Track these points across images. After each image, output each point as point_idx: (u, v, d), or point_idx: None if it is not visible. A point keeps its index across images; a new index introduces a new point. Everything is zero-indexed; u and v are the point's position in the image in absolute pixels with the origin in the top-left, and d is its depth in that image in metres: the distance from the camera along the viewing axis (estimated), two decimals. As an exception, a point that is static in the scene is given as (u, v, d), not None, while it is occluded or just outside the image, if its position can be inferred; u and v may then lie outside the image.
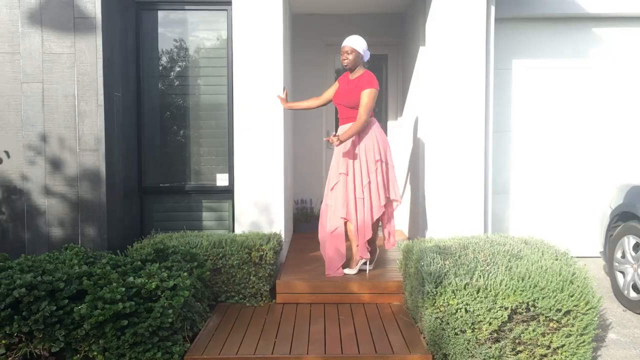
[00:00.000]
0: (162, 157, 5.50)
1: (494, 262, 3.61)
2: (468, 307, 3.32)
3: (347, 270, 4.90)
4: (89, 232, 4.60)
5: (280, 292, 4.67)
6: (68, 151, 4.57)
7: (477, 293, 3.33)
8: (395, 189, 5.00)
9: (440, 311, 3.38)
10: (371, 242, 5.04)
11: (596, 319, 3.32)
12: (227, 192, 5.46)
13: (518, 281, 3.35)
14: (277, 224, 5.31)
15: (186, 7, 5.39)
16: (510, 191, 6.30)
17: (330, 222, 4.91)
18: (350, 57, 4.81)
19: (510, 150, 6.27)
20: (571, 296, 3.30)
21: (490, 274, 3.40)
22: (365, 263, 4.95)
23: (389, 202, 5.00)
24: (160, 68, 5.45)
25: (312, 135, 7.30)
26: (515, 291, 3.30)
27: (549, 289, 3.30)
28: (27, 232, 4.60)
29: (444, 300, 3.36)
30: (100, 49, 4.53)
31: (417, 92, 6.19)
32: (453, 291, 3.34)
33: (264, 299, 4.65)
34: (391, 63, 7.51)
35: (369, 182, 4.81)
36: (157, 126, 5.48)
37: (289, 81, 6.47)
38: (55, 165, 4.58)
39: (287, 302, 4.64)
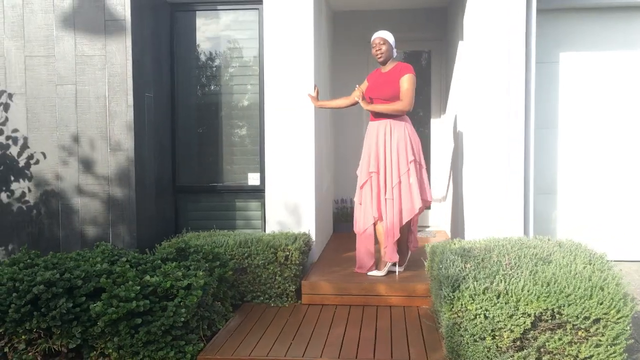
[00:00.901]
0: (196, 156, 5.54)
1: (518, 265, 3.41)
2: (487, 312, 3.15)
3: (374, 273, 4.77)
4: (119, 231, 4.68)
5: (306, 292, 4.60)
6: (99, 151, 4.67)
7: (497, 298, 3.14)
8: (427, 190, 4.83)
9: (458, 316, 3.22)
10: (402, 244, 4.90)
11: (628, 328, 3.08)
12: (259, 192, 5.44)
13: (542, 286, 3.15)
14: (307, 224, 5.25)
15: (218, 7, 5.41)
16: (557, 191, 5.99)
17: (360, 221, 4.81)
18: (384, 48, 4.70)
19: (557, 148, 5.96)
20: (600, 303, 3.06)
21: (513, 279, 3.21)
22: (394, 265, 4.82)
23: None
24: (194, 68, 5.49)
25: (352, 134, 7.19)
26: (539, 297, 3.10)
27: (575, 296, 3.08)
28: (61, 230, 4.73)
29: (461, 305, 3.20)
30: (130, 50, 4.60)
31: (458, 88, 5.99)
32: (471, 295, 3.17)
33: (289, 299, 4.60)
34: (434, 59, 7.31)
35: (399, 183, 4.67)
36: (191, 126, 5.53)
37: (327, 80, 6.40)
38: (88, 164, 4.68)
39: (313, 303, 4.57)
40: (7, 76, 4.70)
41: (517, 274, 3.29)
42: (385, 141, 4.71)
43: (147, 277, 3.52)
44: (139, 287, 3.43)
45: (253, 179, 5.49)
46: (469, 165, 5.02)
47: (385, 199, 4.71)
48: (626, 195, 5.91)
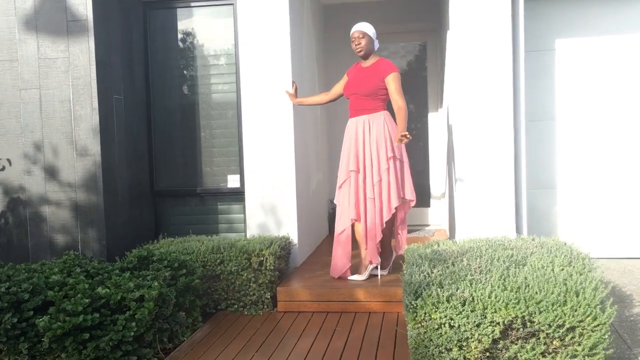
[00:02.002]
0: (174, 159, 5.36)
1: (488, 270, 3.14)
2: (452, 322, 2.89)
3: (355, 277, 4.54)
4: (88, 239, 4.52)
5: (282, 299, 4.38)
6: (66, 157, 4.51)
7: (463, 306, 2.88)
8: (410, 188, 4.57)
9: (422, 326, 2.97)
10: (385, 245, 4.65)
11: (607, 337, 2.79)
12: (240, 194, 5.24)
13: (512, 292, 2.88)
14: (288, 226, 5.04)
15: (192, 3, 5.22)
16: (556, 186, 5.66)
17: (338, 223, 4.58)
18: (363, 42, 4.47)
19: (555, 141, 5.63)
20: (575, 310, 2.79)
21: (480, 284, 2.95)
22: (376, 268, 4.57)
23: (403, 203, 4.59)
24: (170, 68, 5.31)
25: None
26: (507, 304, 2.83)
27: (547, 302, 2.81)
28: (30, 239, 4.59)
29: (425, 313, 2.95)
30: (93, 51, 4.43)
31: (449, 81, 5.71)
32: (434, 303, 2.91)
33: (265, 307, 4.38)
34: (430, 51, 7.03)
35: (380, 181, 4.42)
36: (168, 128, 5.35)
37: (315, 75, 6.17)
38: (55, 171, 4.53)
39: (289, 311, 4.35)
40: (-29, 82, 4.58)
41: (486, 279, 3.03)
42: (364, 138, 4.47)
43: (99, 289, 3.34)
44: (87, 300, 3.25)
45: (233, 181, 5.29)
46: (459, 161, 4.75)
47: (366, 198, 4.46)
48: (631, 189, 5.56)
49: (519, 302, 2.83)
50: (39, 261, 4.30)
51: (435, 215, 7.18)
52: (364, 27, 4.52)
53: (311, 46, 6.07)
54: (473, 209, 4.68)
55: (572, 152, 5.60)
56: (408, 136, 4.15)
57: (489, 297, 2.87)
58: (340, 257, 4.58)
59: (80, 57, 4.45)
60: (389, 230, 4.61)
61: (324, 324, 4.03)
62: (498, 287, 2.93)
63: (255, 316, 4.28)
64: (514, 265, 3.20)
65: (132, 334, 3.20)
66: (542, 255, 3.36)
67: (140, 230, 5.08)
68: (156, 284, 3.44)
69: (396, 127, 4.56)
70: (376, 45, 4.58)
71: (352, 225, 4.58)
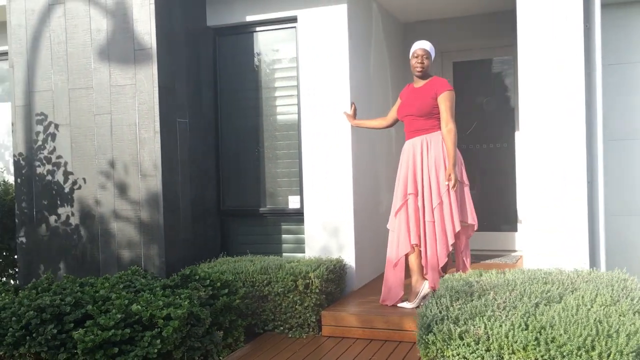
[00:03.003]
0: (240, 179, 5.50)
1: (514, 306, 2.87)
2: (466, 361, 2.68)
3: (404, 304, 4.36)
4: (150, 255, 4.75)
5: (326, 324, 4.31)
6: (132, 177, 4.78)
7: (477, 344, 2.67)
8: (472, 212, 4.34)
9: (435, 363, 2.79)
10: (443, 271, 4.41)
11: (641, 391, 2.44)
12: (301, 215, 5.25)
13: (532, 332, 2.61)
14: (347, 248, 4.96)
15: (257, 28, 5.36)
16: (650, 212, 5.10)
17: (393, 249, 4.42)
18: (427, 62, 4.37)
19: (647, 162, 5.08)
20: (603, 357, 2.47)
21: (497, 322, 2.71)
22: (426, 296, 4.35)
23: (465, 228, 4.36)
24: (236, 91, 5.47)
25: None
26: (526, 346, 2.57)
27: (571, 346, 2.51)
28: (101, 253, 4.90)
29: (437, 349, 2.76)
30: (156, 77, 4.68)
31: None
32: (445, 340, 2.72)
33: (310, 330, 4.34)
34: (513, 67, 6.66)
35: (440, 204, 4.23)
36: (234, 149, 5.50)
37: (388, 96, 6.06)
38: (122, 190, 4.82)
39: (333, 336, 4.27)
40: (55, 108, 5.00)
41: (507, 316, 2.77)
42: (422, 160, 4.31)
43: (133, 306, 3.48)
44: (120, 316, 3.40)
45: (293, 202, 5.31)
46: (528, 184, 4.40)
47: (425, 222, 4.28)
48: None
49: (539, 344, 2.56)
50: (109, 274, 4.58)
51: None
52: (429, 47, 4.40)
53: (384, 66, 5.98)
54: (542, 237, 4.31)
55: (667, 174, 5.02)
56: (453, 184, 4.11)
57: (506, 337, 2.63)
58: (394, 284, 4.42)
59: (145, 83, 4.72)
60: (449, 257, 4.37)
61: (362, 351, 3.90)
62: (519, 326, 2.68)
63: (298, 339, 4.24)
64: (545, 302, 2.90)
65: (156, 350, 3.29)
66: (586, 291, 3.02)
67: (204, 248, 5.25)
68: (186, 302, 3.52)
69: (456, 147, 4.36)
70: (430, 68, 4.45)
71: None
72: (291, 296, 4.34)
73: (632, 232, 5.10)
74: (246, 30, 5.41)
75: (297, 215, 5.29)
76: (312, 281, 4.31)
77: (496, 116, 6.77)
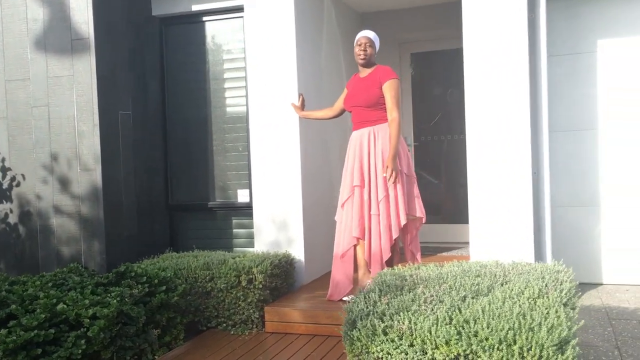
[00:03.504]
0: (189, 173, 5.37)
1: (440, 300, 2.81)
2: (390, 356, 2.60)
3: (350, 298, 4.27)
4: (91, 251, 4.61)
5: (270, 320, 4.22)
6: (71, 171, 4.63)
7: (400, 340, 2.59)
8: (420, 205, 4.27)
9: (360, 359, 2.71)
10: (389, 265, 4.34)
11: (562, 385, 2.39)
12: (250, 209, 5.14)
13: (455, 327, 2.55)
14: (296, 242, 4.87)
15: (204, 18, 5.22)
16: (600, 203, 5.08)
17: (339, 242, 4.33)
18: (369, 50, 4.26)
19: (598, 153, 5.06)
20: (524, 351, 2.41)
21: (422, 316, 2.64)
22: (371, 290, 4.28)
23: (413, 221, 4.29)
24: (184, 82, 5.34)
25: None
26: (449, 340, 2.51)
27: (492, 340, 2.45)
28: (40, 250, 4.74)
29: (362, 345, 2.68)
30: (95, 68, 4.53)
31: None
32: (369, 335, 2.64)
33: (254, 326, 4.24)
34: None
35: (386, 196, 4.14)
36: (183, 142, 5.37)
37: (341, 88, 5.96)
38: (63, 185, 4.67)
39: (277, 332, 4.17)
40: (-9, 101, 4.84)
41: (432, 310, 2.70)
42: (369, 151, 4.21)
43: (60, 305, 3.35)
44: (44, 316, 3.27)
45: (243, 196, 5.21)
46: (473, 175, 4.36)
47: (371, 215, 4.20)
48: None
49: (461, 338, 2.50)
50: (49, 272, 4.43)
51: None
52: (372, 35, 4.31)
53: (337, 56, 5.88)
54: (487, 229, 4.28)
55: (619, 164, 5.00)
56: (388, 173, 4.02)
57: (429, 332, 2.56)
58: (341, 279, 4.33)
59: (83, 74, 4.57)
60: (394, 249, 4.30)
61: (304, 346, 3.82)
62: (443, 320, 2.61)
63: (241, 336, 4.15)
64: (472, 295, 2.84)
65: (80, 351, 3.17)
66: (516, 284, 2.97)
67: (151, 244, 5.12)
68: (115, 301, 3.40)
69: (403, 141, 4.29)
70: (375, 58, 4.36)
71: (355, 246, 4.32)
72: (234, 292, 4.24)
73: (583, 223, 5.09)
74: (193, 20, 5.27)
75: (248, 209, 5.19)
76: (255, 276, 4.21)
77: (461, 107, 6.72)
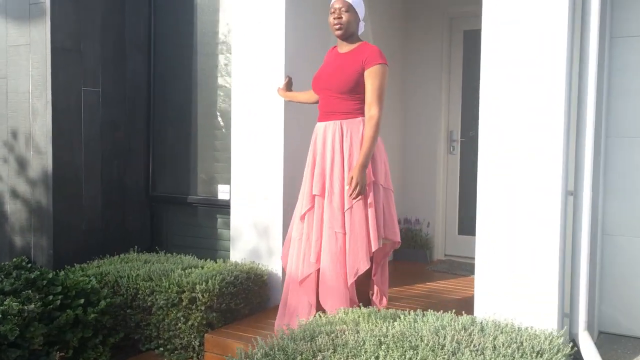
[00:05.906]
0: (175, 162, 4.71)
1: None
2: None
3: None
4: (40, 244, 4.10)
5: (209, 350, 3.47)
6: (26, 153, 4.13)
7: None
8: (393, 225, 3.31)
9: None
10: (361, 295, 3.41)
11: None
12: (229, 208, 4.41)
13: None
14: (277, 254, 4.07)
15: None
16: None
17: (299, 265, 3.44)
18: (345, 16, 3.22)
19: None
20: None
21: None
22: (335, 327, 3.38)
23: (384, 245, 3.34)
24: (173, 58, 4.66)
25: (425, 137, 5.62)
26: None
27: None
28: (-5, 238, 4.31)
29: None
30: (49, 37, 3.95)
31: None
32: None
33: (195, 355, 3.52)
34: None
35: (351, 209, 3.21)
36: (170, 127, 4.71)
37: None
38: (20, 167, 4.18)
39: (216, 365, 3.43)
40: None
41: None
42: (334, 151, 3.28)
43: None
44: None
45: (223, 192, 4.47)
46: (482, 194, 3.31)
47: (332, 232, 3.26)
48: None
49: None
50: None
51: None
52: None
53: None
54: (498, 271, 3.19)
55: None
56: (352, 186, 3.06)
57: None
58: (301, 307, 3.44)
59: (39, 44, 4.01)
60: (364, 276, 3.36)
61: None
62: None
63: (174, 365, 3.45)
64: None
65: None
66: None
67: (123, 240, 4.53)
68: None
69: (381, 143, 3.32)
70: (361, 28, 3.37)
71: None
72: (174, 311, 3.53)
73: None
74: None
75: (227, 208, 4.45)
76: (198, 296, 3.48)
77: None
